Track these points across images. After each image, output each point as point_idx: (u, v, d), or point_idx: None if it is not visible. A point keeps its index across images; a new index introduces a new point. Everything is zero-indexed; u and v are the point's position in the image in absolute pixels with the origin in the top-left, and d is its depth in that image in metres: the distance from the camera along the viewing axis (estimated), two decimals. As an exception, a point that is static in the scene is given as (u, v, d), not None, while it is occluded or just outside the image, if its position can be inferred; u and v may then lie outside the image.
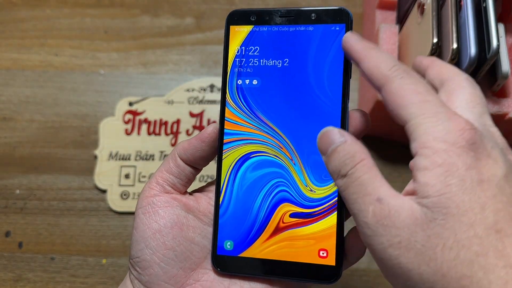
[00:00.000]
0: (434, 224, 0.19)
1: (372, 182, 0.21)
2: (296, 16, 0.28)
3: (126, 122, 0.51)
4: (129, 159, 0.49)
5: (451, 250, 0.19)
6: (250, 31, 0.28)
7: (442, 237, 0.19)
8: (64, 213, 0.48)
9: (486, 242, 0.18)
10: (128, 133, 0.50)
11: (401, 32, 0.44)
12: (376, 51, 0.23)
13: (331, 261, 0.26)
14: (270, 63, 0.28)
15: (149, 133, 0.50)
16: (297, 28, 0.28)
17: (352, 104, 0.52)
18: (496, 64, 0.39)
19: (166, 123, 0.51)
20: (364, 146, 0.22)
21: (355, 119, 0.27)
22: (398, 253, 0.20)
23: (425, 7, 0.38)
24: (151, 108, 0.51)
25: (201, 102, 0.52)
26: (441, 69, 0.25)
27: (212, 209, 0.29)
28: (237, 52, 0.28)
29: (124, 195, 0.48)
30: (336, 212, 0.27)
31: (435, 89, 0.25)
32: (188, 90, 0.52)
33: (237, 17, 0.28)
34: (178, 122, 0.51)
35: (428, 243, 0.19)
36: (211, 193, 0.30)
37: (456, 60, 0.36)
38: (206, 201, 0.29)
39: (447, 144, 0.19)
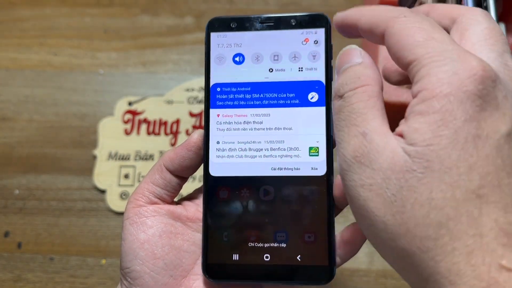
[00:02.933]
0: (411, 175, 0.17)
1: (364, 113, 0.19)
2: (276, 22, 0.28)
3: (126, 122, 0.51)
4: (128, 159, 0.49)
5: (422, 207, 0.17)
6: (232, 37, 0.28)
7: (416, 191, 0.17)
8: (63, 213, 0.48)
9: (462, 207, 0.17)
10: (127, 133, 0.50)
11: (402, 31, 0.44)
12: (372, 7, 0.21)
13: (324, 261, 0.26)
14: (253, 68, 0.28)
15: (148, 133, 0.50)
16: (277, 33, 0.28)
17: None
18: (496, 64, 0.39)
19: (165, 123, 0.51)
20: (379, 74, 0.20)
21: None
22: (366, 195, 0.18)
23: (425, 6, 0.38)
24: (150, 108, 0.51)
25: (200, 102, 0.51)
26: (448, 8, 0.22)
27: (200, 215, 0.28)
28: (218, 57, 0.28)
29: (124, 195, 0.48)
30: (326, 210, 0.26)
31: (446, 30, 0.21)
32: (187, 90, 0.52)
33: (217, 24, 0.29)
34: (177, 122, 0.51)
35: (399, 193, 0.17)
36: (198, 200, 0.29)
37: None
38: (194, 207, 0.29)
39: (452, 87, 0.17)
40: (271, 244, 0.27)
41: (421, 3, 0.39)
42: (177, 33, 0.55)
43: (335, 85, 0.21)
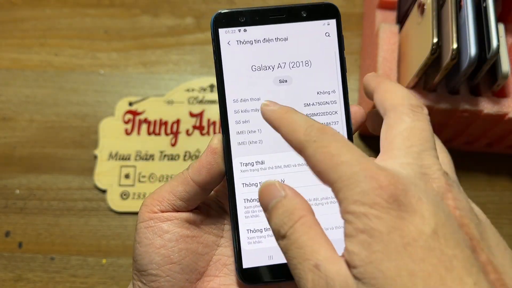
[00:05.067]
0: None
1: (311, 245, 0.19)
2: (287, 14, 0.27)
3: (126, 122, 0.51)
4: (129, 159, 0.49)
5: None
6: (241, 32, 0.27)
7: None
8: (64, 213, 0.48)
9: None
10: (128, 133, 0.50)
11: (401, 32, 0.44)
12: (290, 114, 0.22)
13: None
14: (265, 63, 0.27)
15: (149, 133, 0.50)
16: (288, 26, 0.27)
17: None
18: (496, 64, 0.39)
19: (166, 123, 0.51)
20: (306, 201, 0.21)
21: (354, 113, 0.28)
22: None
23: (425, 7, 0.38)
24: (151, 108, 0.51)
25: (201, 102, 0.51)
26: (385, 94, 0.23)
27: (211, 216, 0.28)
28: (229, 54, 0.27)
29: (124, 195, 0.48)
30: None
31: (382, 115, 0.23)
32: (188, 90, 0.52)
33: (224, 20, 0.27)
34: (178, 122, 0.51)
35: None
36: (208, 201, 0.29)
37: (456, 60, 0.36)
38: (205, 209, 0.29)
39: (366, 207, 0.18)
40: None
41: (420, 4, 0.39)
42: (177, 34, 0.55)
43: (271, 224, 0.21)
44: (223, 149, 0.27)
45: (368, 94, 0.26)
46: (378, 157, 0.22)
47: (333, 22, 0.27)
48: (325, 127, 0.21)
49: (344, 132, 0.28)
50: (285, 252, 0.21)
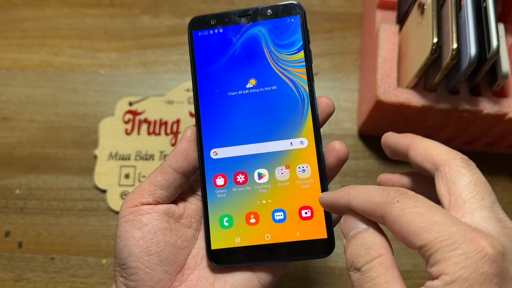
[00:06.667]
0: None
1: (387, 287, 0.19)
2: (254, 14, 0.30)
3: (126, 122, 0.51)
4: (129, 159, 0.49)
5: None
6: (212, 34, 0.30)
7: None
8: (64, 213, 0.48)
9: None
10: (128, 133, 0.50)
11: (401, 32, 0.44)
12: (358, 188, 0.22)
13: (322, 234, 0.27)
14: (234, 59, 0.30)
15: (149, 133, 0.50)
16: (255, 24, 0.30)
17: (352, 104, 0.52)
18: (496, 64, 0.39)
19: (166, 123, 0.51)
20: (386, 239, 0.21)
21: (321, 102, 0.29)
22: None
23: (425, 7, 0.38)
24: (151, 108, 0.51)
25: (201, 102, 0.51)
26: (429, 150, 0.24)
27: (190, 212, 0.29)
28: (203, 55, 0.30)
29: (124, 195, 0.48)
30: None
31: (425, 170, 0.24)
32: (188, 90, 0.52)
33: (198, 23, 0.30)
34: (178, 122, 0.51)
35: None
36: (188, 197, 0.30)
37: (456, 60, 0.36)
38: (183, 205, 0.30)
39: (469, 271, 0.18)
40: (270, 224, 0.28)
41: (420, 4, 0.39)
42: (177, 34, 0.55)
43: (346, 252, 0.22)
44: (197, 139, 0.29)
45: (398, 152, 0.26)
46: (451, 211, 0.21)
47: (297, 18, 0.29)
48: (399, 188, 0.21)
49: (310, 122, 0.29)
50: (357, 286, 0.21)
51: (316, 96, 0.29)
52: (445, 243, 0.18)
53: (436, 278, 0.19)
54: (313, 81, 0.29)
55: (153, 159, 0.49)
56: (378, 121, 0.46)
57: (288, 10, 0.30)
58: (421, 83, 0.41)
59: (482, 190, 0.21)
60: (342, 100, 0.52)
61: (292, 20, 0.29)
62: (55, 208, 0.48)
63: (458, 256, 0.18)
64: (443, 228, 0.19)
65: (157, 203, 0.28)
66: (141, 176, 0.49)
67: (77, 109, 0.52)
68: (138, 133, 0.50)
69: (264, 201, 0.28)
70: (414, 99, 0.41)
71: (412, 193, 0.21)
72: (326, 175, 0.28)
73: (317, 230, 0.27)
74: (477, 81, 0.40)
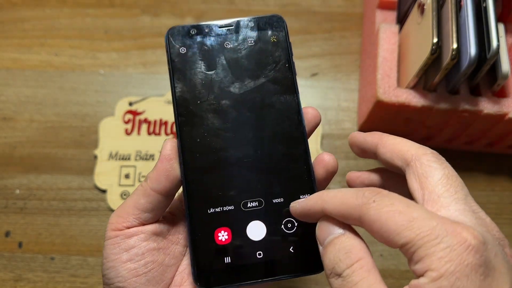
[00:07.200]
0: None
1: None
2: (236, 27, 0.29)
3: (126, 122, 0.51)
4: (129, 159, 0.49)
5: None
6: (193, 44, 0.29)
7: None
8: (64, 213, 0.48)
9: None
10: (128, 133, 0.50)
11: (401, 32, 0.44)
12: (331, 192, 0.22)
13: (316, 249, 0.26)
14: (216, 71, 0.29)
15: (149, 133, 0.50)
16: (237, 36, 0.29)
17: (352, 104, 0.52)
18: (496, 64, 0.39)
19: (166, 123, 0.51)
20: (364, 242, 0.21)
21: (307, 113, 0.28)
22: None
23: (425, 7, 0.38)
24: (151, 108, 0.51)
25: (201, 102, 0.51)
26: (398, 146, 0.24)
27: (178, 228, 0.28)
28: (181, 64, 0.29)
29: (124, 195, 0.48)
30: None
31: (395, 167, 0.24)
32: (188, 90, 0.52)
33: (177, 33, 0.29)
34: (178, 122, 0.51)
35: None
36: (175, 212, 0.29)
37: (456, 60, 0.36)
38: (172, 221, 0.29)
39: (455, 264, 0.18)
40: (261, 240, 0.26)
41: (420, 4, 0.39)
42: (177, 34, 0.55)
43: (324, 259, 0.21)
44: (178, 152, 0.27)
45: (366, 150, 0.26)
46: (425, 206, 0.21)
47: (280, 31, 0.29)
48: (373, 188, 0.21)
49: (300, 136, 0.28)
50: None
51: (302, 107, 0.28)
52: (428, 239, 0.18)
53: (421, 275, 0.18)
54: (298, 93, 0.28)
55: (153, 159, 0.49)
56: (378, 121, 0.46)
57: (270, 22, 0.29)
58: (421, 83, 0.41)
59: (455, 183, 0.21)
60: (342, 100, 0.52)
61: (275, 32, 0.29)
62: (55, 208, 0.48)
63: (442, 250, 0.18)
64: (423, 223, 0.19)
65: (143, 224, 0.27)
66: (141, 176, 0.49)
67: (77, 109, 0.52)
68: (138, 133, 0.50)
69: (253, 218, 0.27)
70: (414, 99, 0.41)
71: (386, 191, 0.20)
72: (316, 188, 0.27)
73: (310, 245, 0.26)
74: (477, 81, 0.40)
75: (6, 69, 0.54)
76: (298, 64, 0.54)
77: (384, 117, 0.45)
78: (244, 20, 0.29)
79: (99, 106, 0.52)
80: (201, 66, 0.29)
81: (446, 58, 0.36)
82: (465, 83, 0.41)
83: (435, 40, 0.36)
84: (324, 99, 0.52)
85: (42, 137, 0.51)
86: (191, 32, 0.29)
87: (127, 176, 0.49)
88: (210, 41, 0.29)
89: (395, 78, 0.42)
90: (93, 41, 0.55)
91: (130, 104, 0.52)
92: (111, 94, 0.52)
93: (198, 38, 0.29)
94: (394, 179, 0.27)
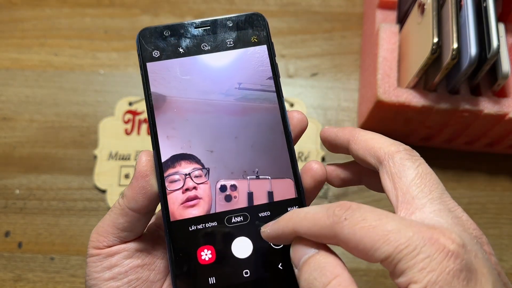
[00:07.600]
0: None
1: None
2: (212, 26, 0.27)
3: (126, 122, 0.51)
4: (129, 159, 0.49)
5: None
6: (167, 47, 0.27)
7: None
8: (63, 213, 0.48)
9: None
10: (128, 133, 0.50)
11: (402, 31, 0.44)
12: (300, 212, 0.21)
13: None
14: (192, 76, 0.27)
15: (149, 133, 0.50)
16: (215, 37, 0.27)
17: (352, 104, 0.52)
18: (496, 63, 0.39)
19: (166, 123, 0.51)
20: (339, 259, 0.20)
21: (293, 118, 0.27)
22: None
23: (425, 6, 0.38)
24: (151, 108, 0.51)
25: (201, 102, 0.51)
26: (370, 143, 0.23)
27: (161, 241, 0.28)
28: (156, 68, 0.27)
29: (124, 195, 0.48)
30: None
31: (369, 164, 0.23)
32: (188, 90, 0.52)
33: (149, 35, 0.27)
34: (178, 122, 0.51)
35: None
36: (159, 224, 0.28)
37: (457, 59, 0.36)
38: (159, 233, 0.28)
39: (436, 273, 0.17)
40: (248, 258, 0.25)
41: (420, 4, 0.39)
42: (177, 33, 0.55)
43: (300, 281, 0.20)
44: (155, 164, 0.25)
45: (338, 146, 0.25)
46: (399, 208, 0.21)
47: (261, 30, 0.27)
48: (342, 203, 0.20)
49: (285, 142, 0.26)
50: None
51: (289, 110, 0.27)
52: (406, 251, 0.18)
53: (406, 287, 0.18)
54: (283, 96, 0.27)
55: (153, 159, 0.49)
56: (378, 121, 0.46)
57: (250, 21, 0.27)
58: (421, 83, 0.41)
59: (429, 182, 0.21)
60: (342, 100, 0.52)
61: (256, 32, 0.27)
62: (55, 208, 0.48)
63: (422, 261, 0.18)
64: (399, 235, 0.18)
65: (125, 242, 0.27)
66: (141, 176, 0.49)
67: (77, 109, 0.52)
68: (138, 133, 0.50)
69: (238, 234, 0.25)
70: (414, 99, 0.41)
71: (355, 204, 0.20)
72: (305, 196, 0.26)
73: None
74: (477, 81, 0.40)
75: (6, 69, 0.54)
76: (298, 64, 0.54)
77: (384, 117, 0.45)
78: (221, 19, 0.27)
79: (99, 106, 0.52)
80: (176, 71, 0.26)
81: (447, 58, 0.36)
82: (466, 83, 0.41)
83: (436, 40, 0.36)
84: (324, 99, 0.52)
85: (42, 137, 0.51)
86: (164, 33, 0.27)
87: (127, 176, 0.49)
88: (185, 42, 0.27)
89: (395, 78, 0.42)
90: (93, 41, 0.55)
91: (130, 104, 0.52)
92: (111, 94, 0.52)
93: (173, 40, 0.27)
94: (370, 172, 0.26)
